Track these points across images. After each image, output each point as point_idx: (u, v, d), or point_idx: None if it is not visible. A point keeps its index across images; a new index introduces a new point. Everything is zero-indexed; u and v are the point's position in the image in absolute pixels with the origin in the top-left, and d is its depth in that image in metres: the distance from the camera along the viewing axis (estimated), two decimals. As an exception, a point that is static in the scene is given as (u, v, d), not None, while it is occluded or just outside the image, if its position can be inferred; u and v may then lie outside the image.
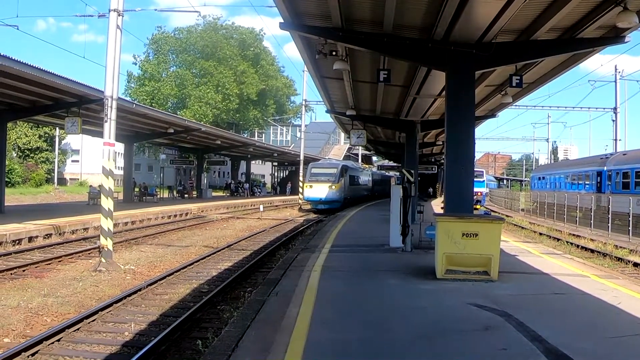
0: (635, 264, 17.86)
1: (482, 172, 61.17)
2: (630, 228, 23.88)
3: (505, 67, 16.92)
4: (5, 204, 28.13)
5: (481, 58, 14.39)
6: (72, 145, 79.48)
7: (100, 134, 17.56)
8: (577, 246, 22.86)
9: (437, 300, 9.26)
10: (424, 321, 7.99)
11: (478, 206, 41.31)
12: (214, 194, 61.74)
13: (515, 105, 37.09)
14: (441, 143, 39.46)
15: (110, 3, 15.97)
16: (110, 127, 15.91)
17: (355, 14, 13.73)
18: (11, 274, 14.30)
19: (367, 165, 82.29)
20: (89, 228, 23.41)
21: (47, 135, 68.25)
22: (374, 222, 26.64)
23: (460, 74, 14.74)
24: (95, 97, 24.01)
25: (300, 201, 51.00)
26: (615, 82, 43.70)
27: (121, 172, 45.87)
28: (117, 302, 11.45)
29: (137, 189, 44.20)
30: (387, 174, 70.46)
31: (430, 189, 64.23)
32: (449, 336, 7.22)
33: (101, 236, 15.88)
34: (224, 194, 65.56)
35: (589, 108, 50.29)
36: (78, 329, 9.60)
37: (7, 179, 40.10)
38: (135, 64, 78.92)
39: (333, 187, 43.55)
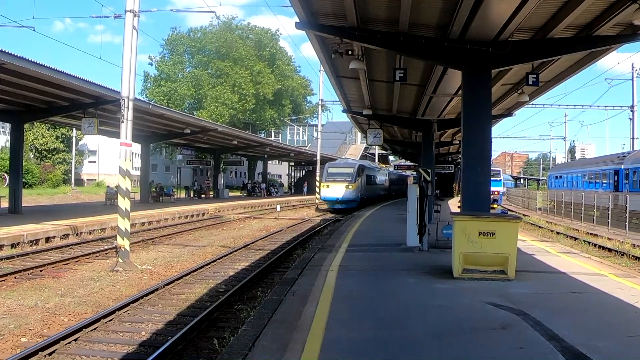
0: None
1: (499, 171, 60.89)
2: (647, 227, 23.67)
3: (521, 66, 16.81)
4: (23, 205, 28.38)
5: (497, 56, 14.29)
6: (89, 146, 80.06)
7: (117, 135, 17.64)
8: (595, 245, 22.72)
9: (454, 299, 9.23)
10: (441, 320, 7.96)
11: (495, 205, 41.04)
12: (230, 194, 61.89)
13: (532, 104, 36.84)
14: (458, 142, 39.30)
15: (126, 4, 16.03)
16: (127, 127, 15.98)
17: (371, 13, 13.69)
18: (29, 274, 14.41)
19: (384, 165, 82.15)
20: (106, 228, 23.56)
21: (64, 136, 68.70)
22: (391, 221, 26.58)
23: (477, 73, 14.63)
24: (111, 97, 24.06)
25: (317, 201, 50.98)
26: (632, 80, 43.33)
27: (138, 173, 46.10)
28: (134, 301, 11.50)
29: (153, 189, 44.35)
30: (404, 173, 70.11)
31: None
32: (466, 335, 7.19)
33: (118, 236, 15.97)
34: (241, 194, 65.62)
35: (605, 106, 49.67)
36: (95, 329, 9.66)
37: (24, 180, 40.40)
38: (151, 64, 79.43)
39: (350, 186, 43.44)
